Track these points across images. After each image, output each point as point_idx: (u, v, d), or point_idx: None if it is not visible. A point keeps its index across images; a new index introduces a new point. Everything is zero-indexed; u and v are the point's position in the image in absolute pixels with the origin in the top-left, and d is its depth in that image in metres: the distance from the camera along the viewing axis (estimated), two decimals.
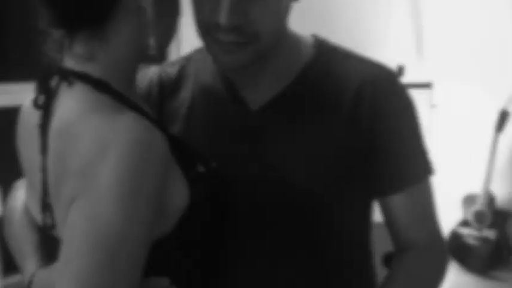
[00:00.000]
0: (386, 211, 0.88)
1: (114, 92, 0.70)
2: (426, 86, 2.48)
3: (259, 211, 0.77)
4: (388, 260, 2.46)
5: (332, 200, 0.84)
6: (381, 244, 2.35)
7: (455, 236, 2.92)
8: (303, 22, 3.86)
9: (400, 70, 2.71)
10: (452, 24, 3.02)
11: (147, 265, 0.65)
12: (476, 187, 2.96)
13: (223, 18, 0.74)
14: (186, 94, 0.92)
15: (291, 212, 0.85)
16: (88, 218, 0.61)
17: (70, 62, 0.73)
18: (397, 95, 0.86)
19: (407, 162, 0.85)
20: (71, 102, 0.69)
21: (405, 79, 2.56)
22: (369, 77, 0.85)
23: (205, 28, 0.78)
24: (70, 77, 0.71)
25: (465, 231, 2.93)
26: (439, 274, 0.89)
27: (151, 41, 0.73)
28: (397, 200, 0.85)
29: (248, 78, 0.87)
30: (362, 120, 0.83)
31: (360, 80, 0.85)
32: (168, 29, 0.78)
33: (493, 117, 2.89)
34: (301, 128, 0.85)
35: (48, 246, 0.80)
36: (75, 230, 0.62)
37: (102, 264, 0.59)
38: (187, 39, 1.31)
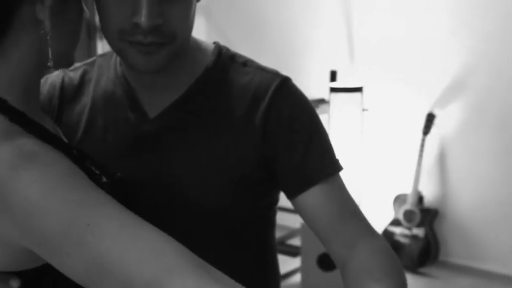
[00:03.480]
0: (303, 213, 0.88)
1: (9, 110, 0.69)
2: (357, 90, 2.55)
3: (158, 219, 0.78)
4: (322, 261, 2.52)
5: (228, 205, 0.87)
6: (315, 245, 2.39)
7: (387, 235, 3.01)
8: (236, 30, 3.90)
9: (333, 75, 2.77)
10: (381, 31, 3.12)
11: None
12: (406, 188, 3.07)
13: (144, 18, 0.74)
14: (87, 100, 0.91)
15: (190, 219, 0.87)
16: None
17: None
18: (293, 99, 0.89)
19: (312, 162, 0.86)
20: None
21: (338, 84, 2.63)
22: (264, 84, 0.88)
23: (119, 32, 0.77)
24: None
25: (396, 230, 3.04)
26: (396, 258, 0.88)
27: (52, 52, 0.72)
28: (309, 200, 0.86)
29: (148, 85, 0.88)
30: (258, 127, 0.86)
31: (256, 88, 0.88)
32: (70, 36, 0.77)
33: (421, 120, 3.01)
34: (196, 135, 0.86)
35: None
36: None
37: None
38: None
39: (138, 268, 0.62)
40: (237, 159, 0.86)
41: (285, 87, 0.89)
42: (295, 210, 0.89)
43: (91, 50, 3.24)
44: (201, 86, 0.88)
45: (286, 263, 2.72)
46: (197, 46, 0.91)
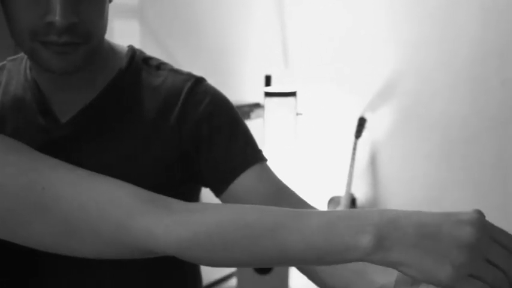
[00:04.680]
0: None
1: None
2: (291, 94, 2.58)
3: None
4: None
5: None
6: None
7: None
8: (170, 34, 3.86)
9: (267, 80, 2.80)
10: (314, 36, 3.18)
11: None
12: (339, 190, 3.12)
13: (58, 17, 0.72)
14: None
15: None
16: None
17: None
18: (209, 97, 0.90)
19: (235, 154, 0.87)
20: None
21: (272, 88, 2.65)
22: (177, 85, 0.89)
23: (31, 32, 0.75)
24: None
25: None
26: None
27: None
28: (239, 188, 0.87)
29: (60, 88, 0.86)
30: (173, 128, 0.87)
31: (169, 89, 0.88)
32: None
33: (353, 124, 3.07)
34: (108, 139, 0.86)
35: None
36: None
37: None
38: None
39: (101, 219, 0.65)
40: (151, 163, 0.86)
41: (198, 86, 0.90)
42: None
43: (18, 53, 3.12)
44: (114, 89, 0.87)
45: (221, 268, 2.71)
46: (111, 48, 0.90)
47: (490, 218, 2.73)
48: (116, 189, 0.67)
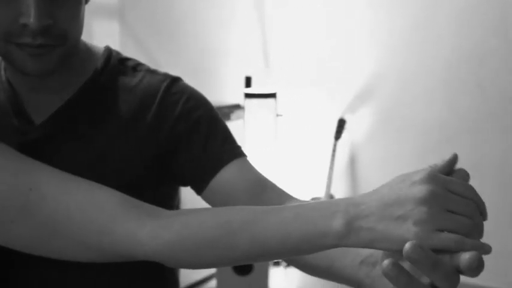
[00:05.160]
0: (217, 199, 0.88)
1: None
2: (271, 96, 2.59)
3: None
4: (237, 265, 2.52)
5: None
6: None
7: None
8: (151, 35, 3.83)
9: (248, 81, 2.80)
10: (294, 37, 3.19)
11: None
12: (319, 191, 3.14)
13: (33, 19, 0.72)
14: None
15: None
16: None
17: None
18: (186, 96, 0.90)
19: (214, 150, 0.87)
20: None
21: (252, 90, 2.66)
22: (154, 85, 0.89)
23: (5, 34, 0.75)
24: None
25: None
26: None
27: None
28: (220, 183, 0.87)
29: (35, 90, 0.86)
30: (150, 128, 0.86)
31: (145, 89, 0.88)
32: None
33: (333, 126, 3.09)
34: (84, 139, 0.86)
35: None
36: None
37: None
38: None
39: (84, 223, 0.66)
40: (127, 163, 0.86)
41: (175, 86, 0.90)
42: (210, 202, 0.90)
43: None
44: (89, 89, 0.87)
45: (201, 269, 2.71)
46: (87, 49, 0.89)
47: None
48: (101, 195, 0.68)
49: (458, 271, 0.52)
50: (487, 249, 0.52)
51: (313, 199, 3.13)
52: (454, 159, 0.59)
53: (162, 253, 0.64)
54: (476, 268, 0.50)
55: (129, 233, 0.65)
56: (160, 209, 0.69)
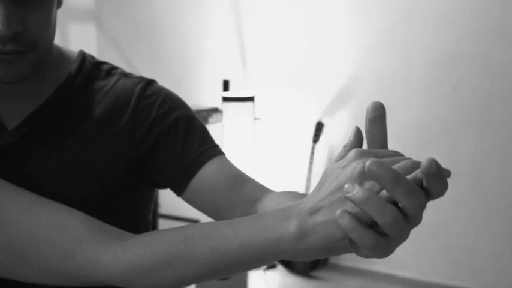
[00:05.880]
0: (197, 198, 0.88)
1: None
2: (249, 99, 2.59)
3: None
4: None
5: (100, 205, 0.86)
6: None
7: None
8: (128, 38, 3.81)
9: (226, 85, 2.80)
10: (272, 41, 3.20)
11: None
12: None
13: (1, 26, 0.70)
14: None
15: None
16: None
17: None
18: (161, 97, 0.90)
19: (193, 149, 0.88)
20: None
21: (230, 93, 2.66)
22: (128, 88, 0.88)
23: None
24: None
25: None
26: None
27: None
28: (200, 182, 0.87)
29: (8, 96, 0.84)
30: (125, 131, 0.86)
31: (119, 92, 0.88)
32: None
33: (311, 129, 3.11)
34: (57, 144, 0.85)
35: None
36: None
37: None
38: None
39: (48, 246, 0.65)
40: (101, 166, 0.85)
41: (150, 88, 0.90)
42: (190, 203, 0.90)
43: None
44: (62, 94, 0.86)
45: None
46: (60, 54, 0.88)
47: (441, 217, 2.79)
48: (66, 217, 0.66)
49: (422, 188, 0.52)
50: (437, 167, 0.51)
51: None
52: (358, 132, 0.60)
53: (126, 275, 0.63)
54: (437, 174, 0.48)
55: (93, 257, 0.64)
56: (128, 233, 0.68)
